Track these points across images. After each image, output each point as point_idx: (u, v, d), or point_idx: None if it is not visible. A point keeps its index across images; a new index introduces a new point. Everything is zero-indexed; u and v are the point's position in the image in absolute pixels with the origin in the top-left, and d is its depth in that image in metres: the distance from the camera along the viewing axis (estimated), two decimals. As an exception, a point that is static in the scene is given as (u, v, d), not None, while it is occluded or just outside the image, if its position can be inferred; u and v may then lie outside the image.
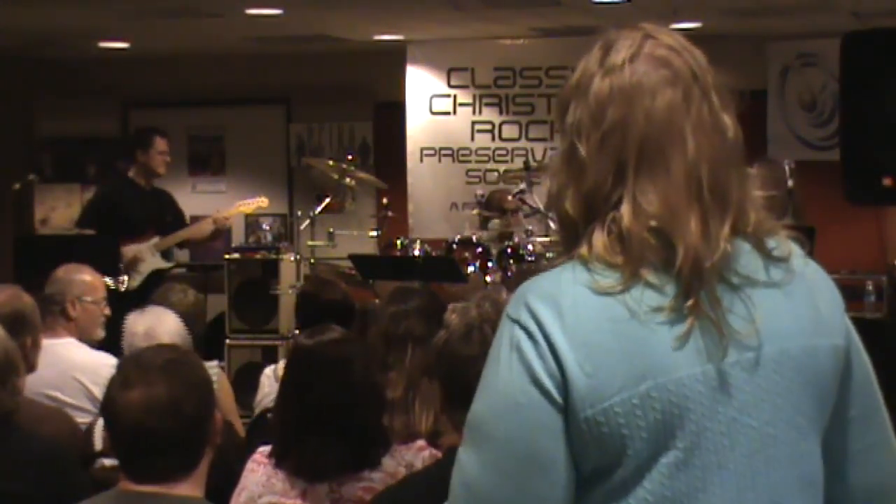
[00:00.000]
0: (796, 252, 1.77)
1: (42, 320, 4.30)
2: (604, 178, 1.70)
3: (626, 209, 1.68)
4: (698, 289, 1.66)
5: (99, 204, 8.16)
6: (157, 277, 7.76)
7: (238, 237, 10.57)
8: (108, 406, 2.54)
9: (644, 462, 1.65)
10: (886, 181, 5.00)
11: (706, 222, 1.68)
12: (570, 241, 1.74)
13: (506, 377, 1.68)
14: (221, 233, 8.44)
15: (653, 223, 1.67)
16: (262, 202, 8.47)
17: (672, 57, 1.74)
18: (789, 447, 1.71)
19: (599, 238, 1.69)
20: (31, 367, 4.14)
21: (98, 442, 3.79)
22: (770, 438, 1.69)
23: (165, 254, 8.16)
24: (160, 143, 8.06)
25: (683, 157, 1.70)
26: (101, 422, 3.88)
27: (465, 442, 1.72)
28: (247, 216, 10.64)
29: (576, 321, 1.65)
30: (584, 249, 1.70)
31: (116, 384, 2.54)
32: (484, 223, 7.96)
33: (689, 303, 1.65)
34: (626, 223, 1.67)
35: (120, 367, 2.62)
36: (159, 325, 4.20)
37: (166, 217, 8.17)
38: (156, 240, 8.01)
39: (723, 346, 1.66)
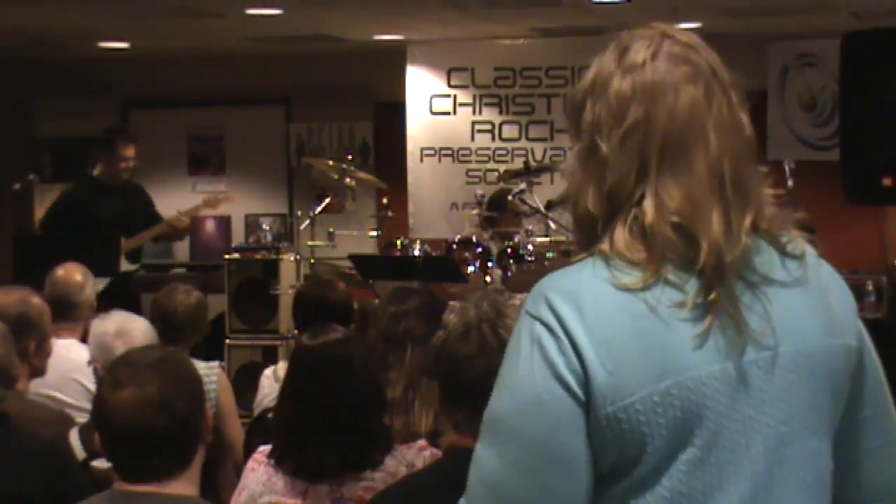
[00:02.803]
0: (810, 251, 1.78)
1: (53, 322, 4.30)
2: (626, 175, 1.70)
3: (648, 205, 1.68)
4: (718, 286, 1.66)
5: (63, 204, 7.91)
6: (123, 281, 7.53)
7: (238, 237, 10.57)
8: (100, 407, 2.52)
9: (663, 459, 1.65)
10: (886, 181, 4.99)
11: (728, 217, 1.69)
12: (587, 240, 1.74)
13: (527, 374, 1.67)
14: (187, 231, 8.25)
15: (675, 219, 1.68)
16: (230, 198, 8.48)
17: (691, 54, 1.75)
18: (802, 446, 1.72)
19: (621, 235, 1.69)
20: (37, 372, 4.13)
21: (78, 450, 3.77)
22: (784, 437, 1.70)
23: (133, 255, 7.88)
24: (124, 150, 7.75)
25: (705, 153, 1.70)
26: (75, 431, 3.87)
27: (483, 439, 1.71)
28: (247, 216, 10.64)
29: (596, 318, 1.65)
30: (605, 246, 1.70)
31: (107, 384, 2.52)
32: (491, 223, 7.93)
33: (710, 298, 1.66)
34: (649, 219, 1.68)
35: (109, 368, 2.60)
36: (129, 322, 4.16)
37: (135, 215, 7.87)
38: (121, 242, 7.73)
39: (741, 345, 1.67)
